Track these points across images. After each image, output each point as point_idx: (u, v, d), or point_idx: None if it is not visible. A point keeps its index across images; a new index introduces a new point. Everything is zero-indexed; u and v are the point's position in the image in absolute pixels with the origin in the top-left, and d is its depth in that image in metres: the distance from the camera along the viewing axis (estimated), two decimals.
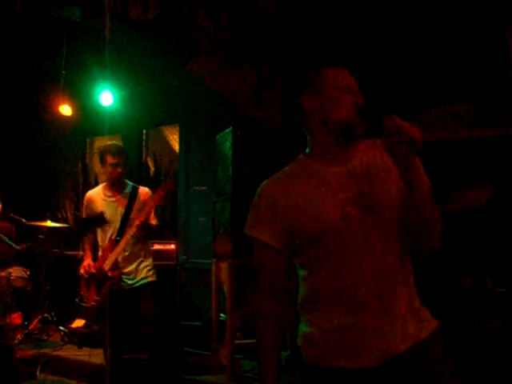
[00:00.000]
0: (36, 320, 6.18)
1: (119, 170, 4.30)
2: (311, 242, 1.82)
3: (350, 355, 1.79)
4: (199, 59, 5.00)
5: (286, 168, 1.96)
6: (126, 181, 4.45)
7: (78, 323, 5.96)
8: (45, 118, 7.34)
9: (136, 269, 4.30)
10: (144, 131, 7.73)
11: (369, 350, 1.76)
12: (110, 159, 4.29)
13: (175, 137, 7.43)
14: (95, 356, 5.14)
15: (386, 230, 1.80)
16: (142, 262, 4.34)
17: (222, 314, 5.05)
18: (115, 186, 4.37)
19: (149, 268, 4.37)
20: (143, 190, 4.44)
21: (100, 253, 4.31)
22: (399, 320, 1.78)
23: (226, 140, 4.98)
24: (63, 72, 6.67)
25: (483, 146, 4.37)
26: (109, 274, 4.08)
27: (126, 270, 4.25)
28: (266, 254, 1.89)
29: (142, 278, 4.31)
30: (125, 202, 4.32)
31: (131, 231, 4.12)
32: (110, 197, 4.37)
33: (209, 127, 6.26)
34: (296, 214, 1.82)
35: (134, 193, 4.38)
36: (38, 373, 5.28)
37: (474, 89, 4.54)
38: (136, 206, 4.29)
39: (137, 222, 4.10)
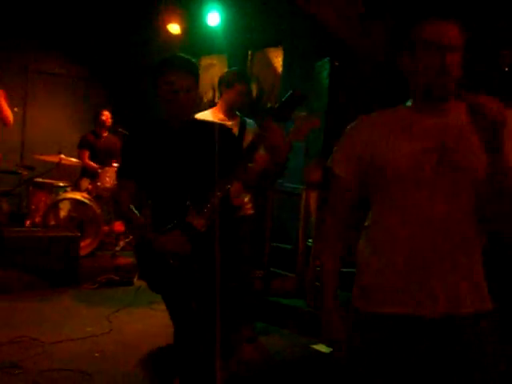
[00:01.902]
0: None
1: (242, 98, 4.29)
2: (383, 181, 1.87)
3: (412, 300, 1.79)
4: None
5: (381, 111, 1.99)
6: (236, 111, 4.43)
7: None
8: (154, 35, 7.49)
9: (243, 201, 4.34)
10: (249, 52, 7.74)
11: (433, 299, 1.77)
12: (238, 87, 4.27)
13: (279, 59, 7.40)
14: None
15: (461, 189, 1.79)
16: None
17: (310, 240, 5.14)
18: (229, 113, 4.30)
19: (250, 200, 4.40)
20: (250, 125, 4.37)
21: None
22: (464, 282, 1.79)
23: (323, 70, 4.93)
24: None
25: None
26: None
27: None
28: (337, 184, 1.98)
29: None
30: (235, 130, 4.29)
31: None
32: (223, 120, 4.16)
33: (312, 53, 6.17)
34: (374, 151, 1.87)
35: (244, 124, 4.37)
36: (135, 279, 5.69)
37: None
38: (247, 137, 4.25)
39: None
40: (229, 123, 4.09)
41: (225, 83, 4.28)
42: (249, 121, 4.36)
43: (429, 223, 1.77)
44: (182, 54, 2.68)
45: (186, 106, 2.62)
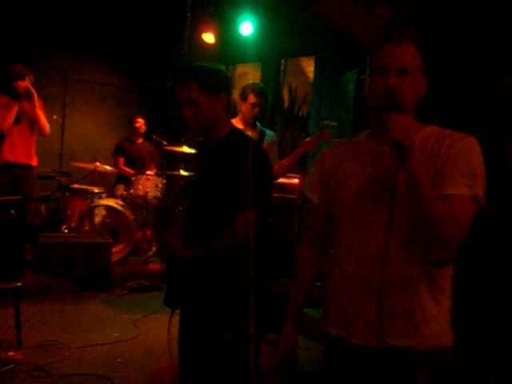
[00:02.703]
0: None
1: (256, 110, 4.41)
2: (335, 209, 1.89)
3: (352, 329, 1.78)
4: (325, 1, 4.91)
5: (348, 138, 2.02)
6: (257, 122, 4.54)
7: None
8: (188, 45, 7.62)
9: None
10: (282, 61, 7.81)
11: (368, 330, 1.75)
12: (251, 98, 4.40)
13: (311, 69, 7.44)
14: None
15: (404, 218, 1.72)
16: None
17: None
18: (248, 124, 4.42)
19: None
20: (268, 136, 4.49)
21: None
22: (402, 313, 1.73)
23: (350, 82, 4.96)
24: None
25: None
26: None
27: None
28: (310, 208, 2.03)
29: None
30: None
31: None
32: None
33: (341, 64, 6.20)
34: (331, 179, 1.91)
35: (263, 135, 4.48)
36: None
37: None
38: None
39: (285, 163, 4.30)
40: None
41: (241, 95, 4.44)
42: (268, 132, 4.48)
43: (371, 256, 1.75)
44: (197, 62, 2.42)
45: (194, 119, 2.34)
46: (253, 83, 4.58)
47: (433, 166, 1.71)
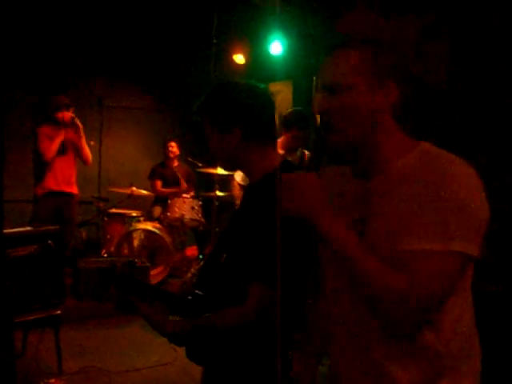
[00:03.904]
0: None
1: (298, 142, 4.31)
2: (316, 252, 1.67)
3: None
4: (351, 16, 4.90)
5: (334, 168, 1.65)
6: None
7: None
8: (220, 66, 7.70)
9: None
10: (314, 78, 7.80)
11: None
12: (294, 131, 4.29)
13: None
14: None
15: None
16: None
17: None
18: (286, 149, 4.33)
19: None
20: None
21: None
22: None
23: None
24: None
25: None
26: None
27: None
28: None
29: None
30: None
31: None
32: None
33: None
34: None
35: (303, 157, 4.42)
36: None
37: None
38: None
39: None
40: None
41: (283, 123, 4.30)
42: (308, 153, 4.41)
43: (342, 318, 1.51)
44: (225, 84, 2.04)
45: (215, 153, 2.01)
46: (297, 113, 4.41)
47: (404, 211, 1.34)
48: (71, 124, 6.02)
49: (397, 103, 1.46)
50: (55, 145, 5.97)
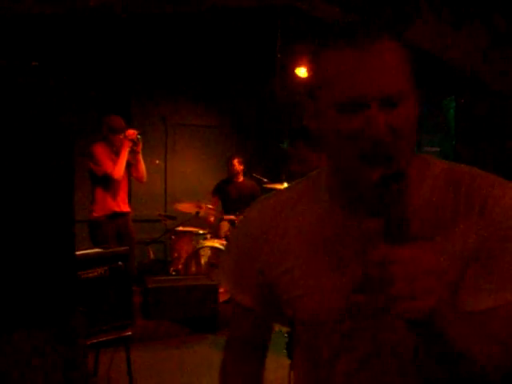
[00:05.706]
0: None
1: None
2: (303, 324, 1.25)
3: None
4: (415, 28, 4.77)
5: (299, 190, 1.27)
6: None
7: None
8: (282, 81, 7.66)
9: None
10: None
11: None
12: None
13: None
14: None
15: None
16: None
17: None
18: None
19: None
20: None
21: None
22: None
23: (449, 108, 4.79)
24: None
25: None
26: None
27: None
28: (236, 311, 1.38)
29: None
30: None
31: None
32: None
33: (438, 90, 6.02)
34: (284, 277, 1.20)
35: None
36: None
37: None
38: None
39: None
40: None
41: None
42: None
43: None
44: None
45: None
46: None
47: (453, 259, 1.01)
48: (136, 140, 5.87)
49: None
50: (122, 164, 5.84)
